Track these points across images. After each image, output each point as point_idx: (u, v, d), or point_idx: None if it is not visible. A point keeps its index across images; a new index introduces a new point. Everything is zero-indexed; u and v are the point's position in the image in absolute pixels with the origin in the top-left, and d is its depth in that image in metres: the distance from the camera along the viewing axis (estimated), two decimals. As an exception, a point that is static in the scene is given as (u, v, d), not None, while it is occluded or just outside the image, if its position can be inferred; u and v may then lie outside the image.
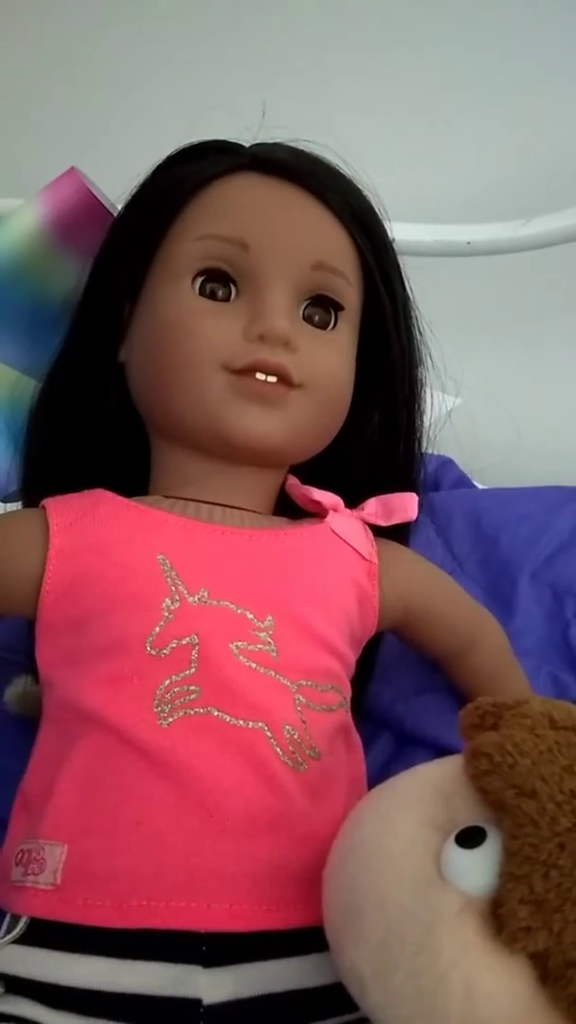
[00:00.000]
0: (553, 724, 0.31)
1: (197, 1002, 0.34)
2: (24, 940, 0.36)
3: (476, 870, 0.29)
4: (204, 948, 0.35)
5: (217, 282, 0.43)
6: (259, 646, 0.40)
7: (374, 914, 0.30)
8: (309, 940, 0.36)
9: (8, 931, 0.36)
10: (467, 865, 0.29)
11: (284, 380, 0.42)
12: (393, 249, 0.49)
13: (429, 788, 0.33)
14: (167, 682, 0.38)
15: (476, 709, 0.34)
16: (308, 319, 0.45)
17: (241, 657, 0.39)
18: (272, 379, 0.42)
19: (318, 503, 0.47)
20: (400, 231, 0.50)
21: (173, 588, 0.40)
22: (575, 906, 0.27)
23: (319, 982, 0.36)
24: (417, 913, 0.29)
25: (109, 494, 0.44)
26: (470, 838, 0.30)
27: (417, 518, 0.49)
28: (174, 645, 0.39)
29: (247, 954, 0.35)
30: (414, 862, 0.30)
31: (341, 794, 0.40)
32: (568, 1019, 0.27)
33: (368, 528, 0.47)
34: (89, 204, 0.51)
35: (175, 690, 0.38)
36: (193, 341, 0.42)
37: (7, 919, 0.37)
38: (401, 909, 0.29)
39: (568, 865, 0.28)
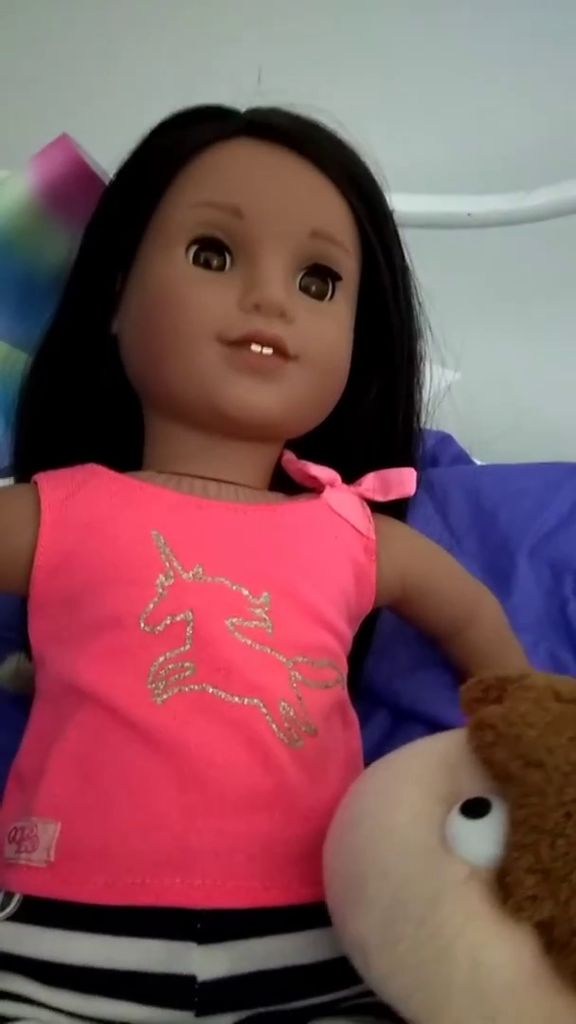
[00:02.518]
0: (558, 697, 0.32)
1: (192, 978, 0.34)
2: (18, 918, 0.36)
3: (481, 840, 0.29)
4: (199, 925, 0.35)
5: (211, 251, 0.43)
6: (254, 622, 0.40)
7: (378, 884, 0.30)
8: (304, 917, 0.36)
9: (1, 908, 0.36)
10: (472, 835, 0.29)
11: (280, 352, 0.42)
12: (392, 218, 0.48)
13: (432, 760, 0.33)
14: (161, 659, 0.38)
15: (479, 683, 0.34)
16: (305, 289, 0.44)
17: (236, 634, 0.39)
18: (268, 351, 0.41)
19: (315, 478, 0.46)
20: (400, 202, 0.49)
21: (167, 564, 0.40)
22: None
23: (314, 959, 0.36)
24: (422, 883, 0.29)
25: (102, 469, 0.44)
26: (475, 808, 0.30)
27: (415, 494, 0.48)
28: (168, 622, 0.39)
29: (242, 931, 0.35)
30: (418, 833, 0.30)
31: (337, 770, 0.40)
32: (573, 988, 0.27)
33: (365, 504, 0.47)
34: (81, 172, 0.50)
35: (169, 667, 0.38)
36: (186, 312, 0.41)
37: (1, 896, 0.37)
38: (406, 879, 0.30)
39: (575, 834, 0.28)
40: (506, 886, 0.28)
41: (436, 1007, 0.28)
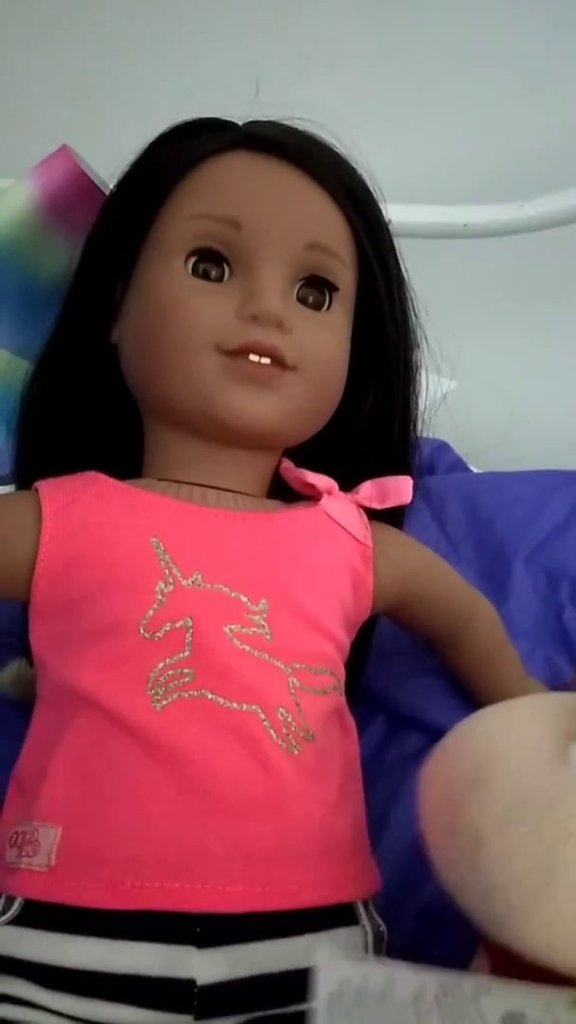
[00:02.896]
0: None
1: (191, 982, 0.35)
2: (18, 921, 0.36)
3: None
4: (198, 929, 0.35)
5: (210, 262, 0.43)
6: (253, 629, 0.40)
7: (506, 778, 0.32)
8: (304, 921, 0.36)
9: (2, 912, 0.37)
10: None
11: (278, 362, 0.42)
12: (388, 229, 0.48)
13: (554, 703, 0.35)
14: (161, 665, 0.38)
15: None
16: (302, 300, 0.44)
17: (235, 640, 0.39)
18: (265, 361, 0.42)
19: (312, 486, 0.46)
20: (396, 212, 0.50)
21: (167, 571, 0.40)
22: None
23: (313, 963, 0.36)
24: (549, 782, 0.31)
25: (102, 476, 0.44)
26: None
27: (412, 502, 0.49)
28: (168, 628, 0.39)
29: (241, 935, 0.36)
30: (542, 748, 0.32)
31: (335, 776, 0.40)
32: None
33: (362, 511, 0.47)
34: (81, 183, 0.50)
35: (169, 673, 0.38)
36: (185, 322, 0.42)
37: (2, 900, 0.37)
38: (535, 776, 0.31)
39: None
40: None
41: (541, 894, 0.30)
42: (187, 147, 0.45)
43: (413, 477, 0.48)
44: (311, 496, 0.47)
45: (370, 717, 0.53)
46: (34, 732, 0.41)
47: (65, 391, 0.48)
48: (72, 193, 0.50)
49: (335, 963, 0.31)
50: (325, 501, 0.46)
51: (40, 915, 0.36)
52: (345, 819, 0.40)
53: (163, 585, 0.40)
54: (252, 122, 0.47)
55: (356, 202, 0.46)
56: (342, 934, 0.37)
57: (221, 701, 0.38)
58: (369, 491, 0.47)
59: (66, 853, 0.36)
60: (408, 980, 0.30)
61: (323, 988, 0.30)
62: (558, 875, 0.30)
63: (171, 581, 0.40)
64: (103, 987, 0.35)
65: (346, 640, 0.45)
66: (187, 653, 0.39)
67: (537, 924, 0.30)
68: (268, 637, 0.40)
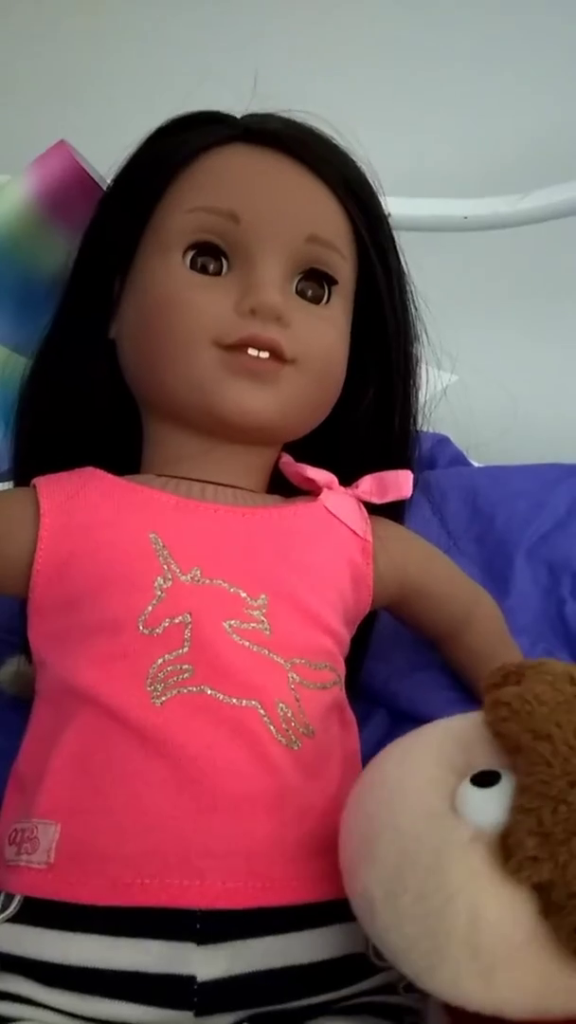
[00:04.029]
0: (572, 681, 0.33)
1: (191, 979, 0.35)
2: (18, 919, 0.36)
3: (489, 806, 0.31)
4: (198, 925, 0.35)
5: (208, 256, 0.43)
6: (252, 624, 0.40)
7: (388, 841, 0.32)
8: (303, 917, 0.36)
9: (2, 910, 0.36)
10: (481, 802, 0.31)
11: (277, 356, 0.42)
12: (388, 222, 0.48)
13: (450, 735, 0.35)
14: (160, 661, 0.38)
15: (500, 669, 0.36)
16: (301, 293, 0.44)
17: (234, 636, 0.39)
18: (264, 355, 0.42)
19: (312, 481, 0.46)
20: (395, 205, 0.49)
21: (165, 567, 0.40)
22: None
23: (313, 959, 0.36)
24: (429, 840, 0.31)
25: (100, 472, 0.44)
26: (485, 779, 0.31)
27: (413, 496, 0.48)
28: (167, 624, 0.39)
29: (241, 931, 0.36)
30: (430, 797, 0.32)
31: (335, 772, 0.40)
32: (567, 949, 0.28)
33: (362, 506, 0.47)
34: (79, 178, 0.50)
35: (168, 669, 0.38)
36: (184, 316, 0.42)
37: (1, 898, 0.37)
38: (414, 836, 0.31)
39: None
40: (508, 847, 0.29)
41: (435, 959, 0.30)
42: (185, 140, 0.45)
43: (413, 471, 0.48)
44: (311, 491, 0.47)
45: (370, 712, 0.53)
46: (33, 729, 0.41)
47: (63, 387, 0.48)
48: (70, 188, 0.50)
49: None
50: (325, 496, 0.46)
51: (40, 912, 0.36)
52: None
53: (162, 581, 0.40)
54: (251, 115, 0.47)
55: (355, 195, 0.46)
56: (342, 931, 0.37)
57: (221, 697, 0.38)
58: (369, 486, 0.47)
59: (65, 850, 0.36)
60: None
61: None
62: (446, 939, 0.29)
63: (170, 577, 0.40)
64: (103, 984, 0.35)
65: (346, 635, 0.45)
66: (186, 649, 0.39)
67: (441, 984, 0.30)
68: (267, 632, 0.40)
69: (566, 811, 0.29)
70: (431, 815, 0.31)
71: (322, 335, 0.44)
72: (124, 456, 0.46)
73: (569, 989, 0.29)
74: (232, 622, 0.39)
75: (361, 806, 0.34)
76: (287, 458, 0.47)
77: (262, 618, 0.40)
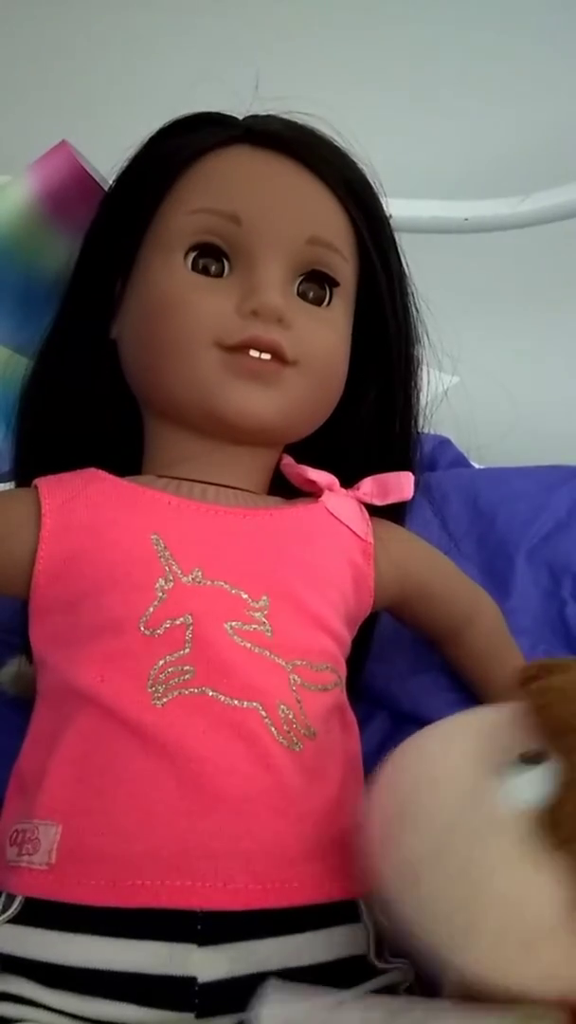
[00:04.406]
0: None
1: (192, 980, 0.35)
2: (19, 920, 0.36)
3: (531, 785, 0.31)
4: (199, 927, 0.35)
5: (210, 257, 0.43)
6: (254, 626, 0.40)
7: (429, 816, 0.32)
8: (304, 918, 0.36)
9: (3, 911, 0.36)
10: (523, 781, 0.31)
11: (278, 357, 0.42)
12: (389, 224, 0.48)
13: (485, 722, 0.35)
14: (161, 662, 0.38)
15: (536, 664, 0.36)
16: (302, 295, 0.44)
17: (236, 637, 0.39)
18: (266, 356, 0.42)
19: (313, 482, 0.46)
20: (396, 207, 0.49)
21: (167, 568, 0.40)
22: None
23: (313, 960, 0.36)
24: (470, 816, 0.31)
25: (102, 473, 0.44)
26: (533, 757, 0.32)
27: (414, 498, 0.48)
28: (168, 625, 0.39)
29: (242, 932, 0.35)
30: (470, 775, 0.32)
31: (336, 773, 0.40)
32: None
33: (363, 508, 0.47)
34: (80, 178, 0.50)
35: (169, 670, 0.38)
36: (185, 318, 0.42)
37: (2, 899, 0.37)
38: (457, 810, 0.32)
39: None
40: (556, 821, 0.30)
41: (469, 935, 0.30)
42: (187, 142, 0.45)
43: (414, 473, 0.48)
44: (312, 492, 0.47)
45: (372, 714, 0.53)
46: (34, 730, 0.41)
47: (64, 388, 0.48)
48: (71, 189, 0.50)
49: (278, 1006, 0.32)
50: (326, 497, 0.46)
51: (41, 913, 0.36)
52: (346, 816, 0.40)
53: (163, 582, 0.40)
54: (252, 116, 0.47)
55: (357, 197, 0.46)
56: (343, 932, 0.37)
57: (222, 698, 0.38)
58: (370, 487, 0.47)
59: (66, 851, 0.36)
60: (352, 1012, 0.31)
61: None
62: (483, 915, 0.30)
63: (171, 578, 0.40)
64: (104, 985, 0.35)
65: (347, 637, 0.45)
66: (187, 650, 0.39)
67: (472, 957, 0.30)
68: (269, 634, 0.40)
69: None
70: (472, 792, 0.32)
71: (323, 337, 0.44)
72: (126, 457, 0.46)
73: None
74: (233, 623, 0.39)
75: (395, 782, 0.35)
76: (288, 459, 0.47)
77: (263, 620, 0.40)
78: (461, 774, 0.33)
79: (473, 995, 0.31)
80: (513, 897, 0.29)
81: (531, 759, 0.32)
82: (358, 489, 0.47)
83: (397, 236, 0.49)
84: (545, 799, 0.30)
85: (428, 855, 0.31)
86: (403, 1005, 0.31)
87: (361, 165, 0.47)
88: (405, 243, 0.49)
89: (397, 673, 0.54)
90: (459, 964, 0.31)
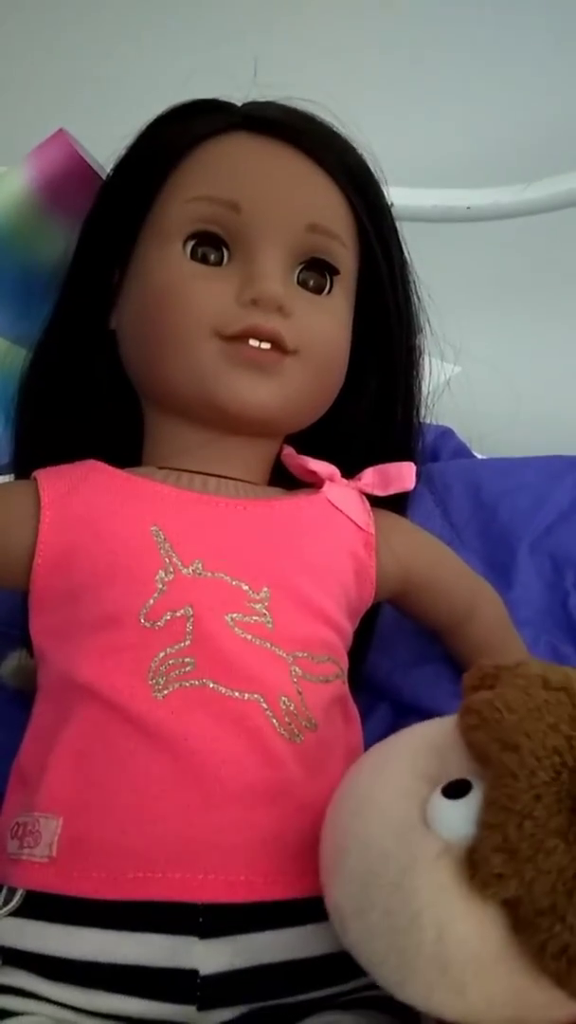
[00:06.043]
0: (546, 684, 0.32)
1: (194, 972, 0.35)
2: (20, 913, 0.36)
3: (458, 819, 0.30)
4: (201, 919, 0.35)
5: (209, 245, 0.43)
6: (254, 618, 0.40)
7: (358, 855, 0.31)
8: (306, 911, 0.36)
9: (4, 904, 0.36)
10: (450, 814, 0.30)
11: (278, 346, 0.41)
12: (390, 211, 0.48)
13: (424, 742, 0.34)
14: (162, 654, 0.38)
15: (478, 670, 0.35)
16: (303, 283, 0.44)
17: (236, 629, 0.39)
18: (266, 345, 0.41)
19: (314, 473, 0.46)
20: (398, 195, 0.49)
21: (167, 560, 0.40)
22: (547, 856, 0.28)
23: (315, 952, 0.36)
24: (397, 854, 0.30)
25: (101, 465, 0.44)
26: (456, 789, 0.31)
27: (416, 488, 0.48)
28: (168, 617, 0.39)
29: (244, 925, 0.35)
30: (401, 809, 0.31)
31: (338, 765, 0.40)
32: (535, 966, 0.28)
33: (365, 498, 0.47)
34: (78, 167, 0.50)
35: (170, 662, 0.38)
36: (184, 307, 0.41)
37: (3, 892, 0.37)
38: (382, 851, 0.31)
39: (543, 816, 0.28)
40: (474, 863, 0.28)
41: (405, 974, 0.29)
42: (185, 129, 0.45)
43: (416, 463, 0.48)
44: (313, 483, 0.46)
45: (373, 705, 0.53)
46: (35, 723, 0.41)
47: (63, 379, 0.47)
48: (69, 177, 0.50)
49: None
50: (327, 488, 0.45)
51: (42, 906, 0.36)
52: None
53: (163, 574, 0.39)
54: (251, 103, 0.46)
55: (357, 184, 0.45)
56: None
57: (223, 690, 0.38)
58: (372, 478, 0.47)
59: (67, 844, 0.36)
60: None
61: None
62: (415, 955, 0.29)
63: (171, 570, 0.40)
64: (106, 978, 0.35)
65: (349, 628, 0.44)
66: (188, 642, 0.38)
67: (415, 996, 0.30)
68: (270, 626, 0.40)
69: (531, 826, 0.28)
70: (400, 828, 0.31)
71: (324, 325, 0.44)
72: (125, 448, 0.46)
73: (544, 1002, 0.29)
74: (234, 615, 0.39)
75: (335, 820, 0.34)
76: (289, 450, 0.47)
77: (264, 611, 0.40)
78: (392, 807, 0.31)
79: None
80: (442, 937, 0.28)
81: (457, 789, 0.30)
82: (359, 480, 0.47)
83: (398, 224, 0.48)
84: (468, 836, 0.29)
85: (354, 902, 0.31)
86: None
87: (362, 152, 0.47)
88: (407, 232, 0.49)
89: (399, 664, 0.54)
90: (408, 1001, 0.30)
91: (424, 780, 0.32)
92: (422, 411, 0.51)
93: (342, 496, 0.45)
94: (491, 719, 0.31)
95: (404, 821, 0.31)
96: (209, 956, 0.35)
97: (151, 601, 0.39)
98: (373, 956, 0.30)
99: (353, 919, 0.31)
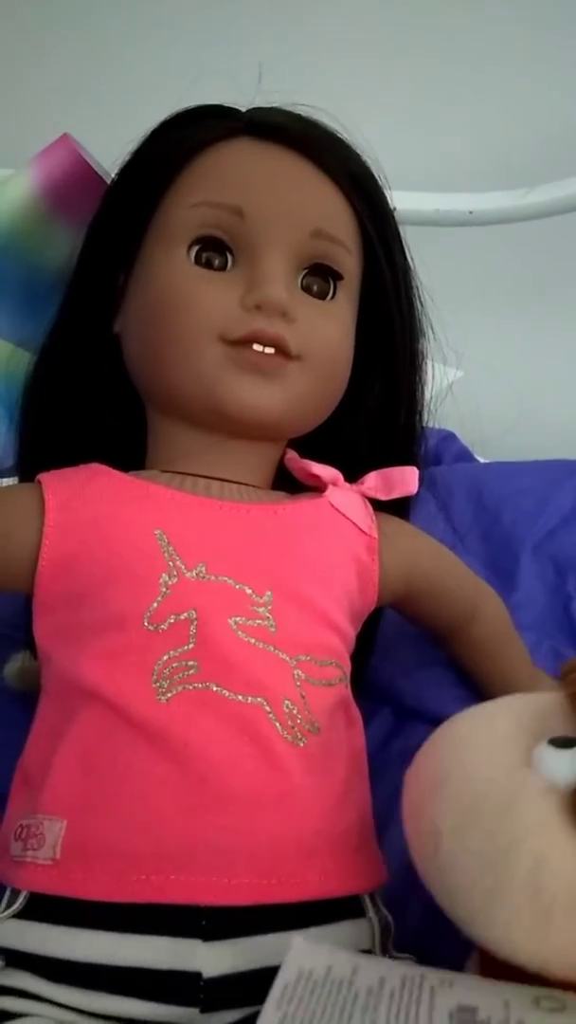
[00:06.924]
0: None
1: (197, 975, 0.35)
2: (24, 915, 0.36)
3: (565, 765, 0.31)
4: (204, 922, 0.35)
5: (213, 251, 0.43)
6: (258, 621, 0.40)
7: (462, 781, 0.33)
8: (309, 913, 0.36)
9: (8, 906, 0.36)
10: (557, 760, 0.31)
11: (282, 351, 0.42)
12: (393, 216, 0.48)
13: (529, 706, 0.36)
14: (165, 657, 0.38)
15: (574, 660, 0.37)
16: (306, 289, 0.44)
17: (240, 632, 0.39)
18: (270, 350, 0.41)
19: (317, 477, 0.46)
20: (401, 200, 0.49)
21: (171, 563, 0.40)
22: None
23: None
24: (504, 783, 0.32)
25: (105, 468, 0.44)
26: (564, 742, 0.32)
27: (418, 493, 0.48)
28: (172, 620, 0.39)
29: (246, 928, 0.35)
30: (507, 751, 0.33)
31: (340, 769, 0.40)
32: None
33: (368, 502, 0.47)
34: (83, 171, 0.50)
35: (173, 665, 0.38)
36: (188, 311, 0.41)
37: (7, 894, 0.37)
38: (490, 778, 0.32)
39: None
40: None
41: (496, 897, 0.30)
42: (190, 134, 0.45)
43: (419, 467, 0.48)
44: (316, 487, 0.46)
45: (376, 709, 0.53)
46: (39, 725, 0.41)
47: (67, 382, 0.48)
48: (74, 182, 0.50)
49: (304, 953, 0.31)
50: (330, 492, 0.46)
51: (45, 908, 0.36)
52: (351, 811, 0.40)
53: (167, 577, 0.39)
54: (255, 109, 0.46)
55: (361, 189, 0.46)
56: (348, 927, 0.37)
57: (226, 693, 0.38)
58: (375, 482, 0.47)
59: (71, 846, 0.36)
60: (371, 972, 0.31)
61: (282, 977, 0.30)
62: (509, 878, 0.30)
63: (175, 573, 0.40)
64: (109, 980, 0.35)
65: (352, 632, 0.44)
66: (192, 645, 0.38)
67: (494, 926, 0.30)
68: (273, 629, 0.40)
69: None
70: (508, 765, 0.32)
71: (327, 331, 0.44)
72: (129, 452, 0.46)
73: None
74: (238, 619, 0.39)
75: (435, 751, 0.35)
76: (292, 454, 0.47)
77: (268, 615, 0.40)
78: (498, 749, 0.33)
79: (492, 976, 0.31)
80: (540, 865, 0.29)
81: (562, 743, 0.32)
82: (362, 484, 0.47)
83: (401, 229, 0.48)
84: (573, 780, 0.31)
85: (455, 821, 0.32)
86: (419, 973, 0.31)
87: (365, 158, 0.47)
88: (409, 236, 0.49)
89: (402, 668, 0.54)
90: (480, 934, 0.31)
91: (529, 734, 0.33)
92: (425, 415, 0.51)
93: (345, 500, 0.46)
94: None
95: (511, 761, 0.32)
96: (212, 959, 0.35)
97: (155, 604, 0.39)
98: (463, 877, 0.31)
99: (450, 838, 0.31)
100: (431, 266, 0.50)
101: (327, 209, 0.44)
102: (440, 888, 0.32)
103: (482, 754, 0.33)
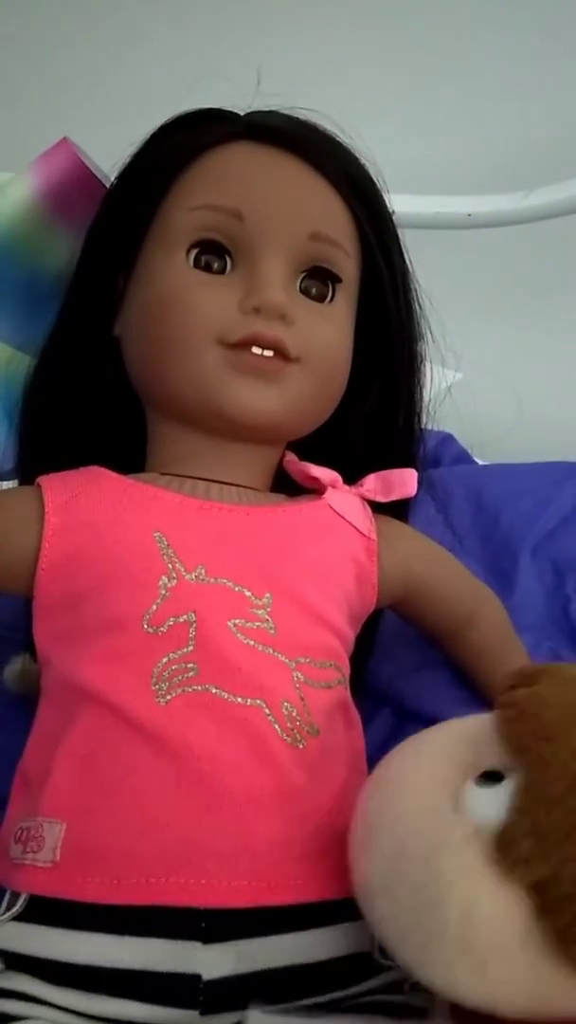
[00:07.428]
0: None
1: (197, 977, 0.35)
2: (23, 917, 0.36)
3: (489, 804, 0.31)
4: (203, 924, 0.35)
5: (212, 254, 0.43)
6: (257, 623, 0.40)
7: (389, 833, 0.32)
8: (308, 916, 0.36)
9: (7, 908, 0.36)
10: (482, 799, 0.31)
11: (281, 354, 0.42)
12: (392, 219, 0.48)
13: (460, 735, 0.35)
14: (165, 660, 0.38)
15: (517, 671, 0.36)
16: (305, 291, 0.44)
17: (239, 635, 0.39)
18: (268, 353, 0.41)
19: (316, 479, 0.46)
20: (399, 203, 0.49)
21: (170, 566, 0.40)
22: None
23: (318, 957, 0.36)
24: (427, 833, 0.31)
25: (105, 471, 0.44)
26: (489, 777, 0.32)
27: (417, 495, 0.48)
28: (171, 623, 0.39)
29: (246, 930, 0.35)
30: (433, 793, 0.32)
31: (340, 771, 0.40)
32: (558, 951, 0.28)
33: (367, 505, 0.47)
34: (82, 175, 0.50)
35: (173, 668, 0.38)
36: (187, 314, 0.42)
37: (7, 896, 0.37)
38: (414, 829, 0.32)
39: (574, 805, 0.29)
40: (503, 845, 0.29)
41: (428, 952, 0.30)
42: (188, 138, 0.45)
43: (418, 469, 0.48)
44: (315, 490, 0.46)
45: (375, 711, 0.53)
46: (39, 727, 0.41)
47: (67, 385, 0.48)
48: (73, 186, 0.50)
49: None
50: (329, 494, 0.46)
51: (45, 911, 0.36)
52: (350, 813, 0.40)
53: (166, 580, 0.40)
54: (254, 112, 0.47)
55: (359, 192, 0.46)
56: (348, 929, 0.37)
57: (225, 696, 0.38)
58: (373, 484, 0.47)
59: (71, 849, 0.36)
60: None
61: None
62: (440, 934, 0.29)
63: (174, 576, 0.40)
64: (108, 982, 0.35)
65: (351, 634, 0.44)
66: (191, 648, 0.39)
67: (435, 976, 0.30)
68: (272, 631, 0.40)
69: (561, 813, 0.29)
70: (432, 810, 0.32)
71: (326, 333, 0.44)
72: (129, 455, 0.46)
73: (563, 990, 0.29)
74: (237, 621, 0.39)
75: (368, 799, 0.35)
76: (291, 456, 0.47)
77: (267, 617, 0.40)
78: (422, 794, 0.32)
79: (461, 1014, 0.31)
80: (468, 916, 0.29)
81: (490, 778, 0.31)
82: (361, 486, 0.47)
83: (400, 232, 0.49)
84: (498, 821, 0.30)
85: (382, 876, 0.31)
86: None
87: (363, 161, 0.47)
88: (408, 239, 0.49)
89: (401, 670, 0.54)
90: (424, 981, 0.31)
91: (458, 769, 0.33)
92: (423, 417, 0.51)
93: (344, 502, 0.46)
94: (530, 712, 0.32)
95: (435, 804, 0.32)
96: (212, 961, 0.35)
97: (154, 607, 0.39)
98: (398, 933, 0.31)
99: (381, 895, 0.31)
100: (430, 269, 0.50)
101: (325, 212, 0.44)
102: (381, 939, 0.32)
103: (407, 802, 0.33)
